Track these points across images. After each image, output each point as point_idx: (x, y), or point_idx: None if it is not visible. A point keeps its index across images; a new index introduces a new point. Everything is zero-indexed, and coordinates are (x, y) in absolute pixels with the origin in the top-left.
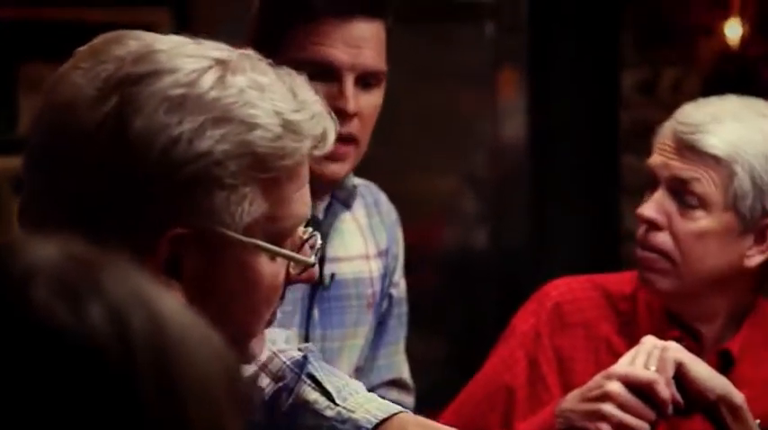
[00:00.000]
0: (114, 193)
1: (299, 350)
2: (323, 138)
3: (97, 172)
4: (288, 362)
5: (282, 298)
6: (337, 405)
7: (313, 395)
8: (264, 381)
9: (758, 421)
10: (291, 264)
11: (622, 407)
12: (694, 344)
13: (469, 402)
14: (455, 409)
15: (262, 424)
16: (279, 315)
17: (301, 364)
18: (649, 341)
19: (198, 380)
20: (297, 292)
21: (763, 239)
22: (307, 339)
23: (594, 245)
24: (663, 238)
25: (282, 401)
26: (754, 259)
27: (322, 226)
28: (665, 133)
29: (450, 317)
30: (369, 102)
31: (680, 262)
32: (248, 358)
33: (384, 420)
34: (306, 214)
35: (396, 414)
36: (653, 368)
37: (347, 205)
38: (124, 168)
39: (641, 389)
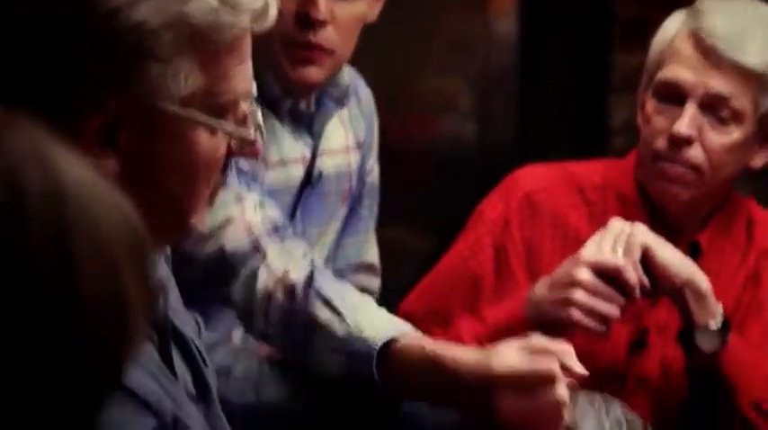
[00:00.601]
0: (60, 44)
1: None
2: (262, 12)
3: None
4: (299, 280)
5: (224, 172)
6: (348, 324)
7: (324, 314)
8: (279, 296)
9: (721, 306)
10: (233, 140)
11: (592, 293)
12: (666, 235)
13: (433, 288)
14: (418, 295)
15: (276, 339)
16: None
17: (311, 281)
18: (616, 224)
19: (94, 242)
20: (287, 196)
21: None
22: None
23: (581, 141)
24: (694, 152)
25: (295, 319)
26: (760, 160)
27: (314, 124)
28: (685, 43)
29: (435, 210)
30: (346, 10)
31: (708, 173)
32: (185, 232)
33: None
34: (247, 90)
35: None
36: (620, 252)
37: (341, 103)
38: (76, 14)
39: (609, 275)
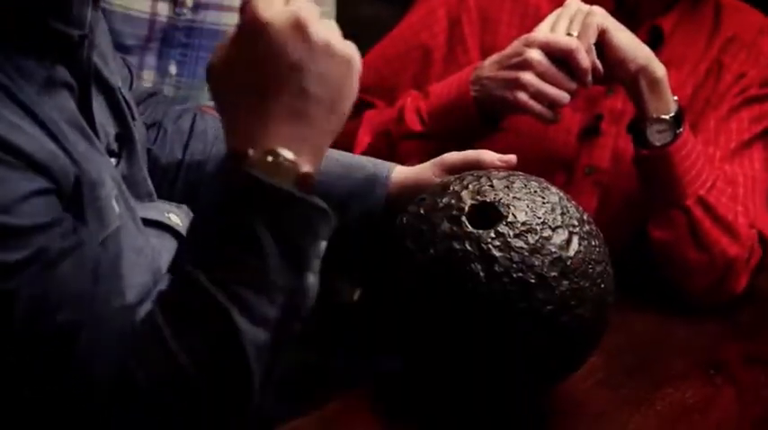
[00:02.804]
0: None
1: None
2: None
3: None
4: None
5: None
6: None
7: None
8: None
9: (675, 97)
10: None
11: (541, 76)
12: (627, 19)
13: (381, 59)
14: (366, 64)
15: None
16: None
17: None
18: (573, 4)
19: None
20: None
21: None
22: None
23: None
24: None
25: None
26: None
27: None
28: None
29: None
30: None
31: None
32: None
33: None
34: None
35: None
36: (575, 34)
37: None
38: None
39: (561, 57)
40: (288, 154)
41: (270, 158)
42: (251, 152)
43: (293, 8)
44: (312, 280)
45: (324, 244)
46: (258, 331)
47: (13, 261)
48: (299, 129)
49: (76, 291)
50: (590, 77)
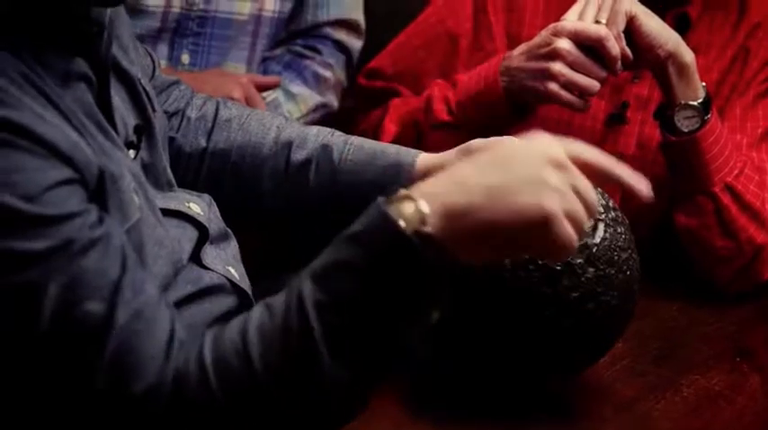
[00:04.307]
0: None
1: None
2: None
3: None
4: None
5: None
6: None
7: None
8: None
9: (704, 84)
10: None
11: (571, 65)
12: (654, 5)
13: (407, 47)
14: (390, 52)
15: None
16: None
17: None
18: None
19: None
20: None
21: None
22: None
23: None
24: None
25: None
26: None
27: None
28: None
29: None
30: None
31: None
32: None
33: None
34: None
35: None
36: (603, 21)
37: None
38: None
39: (591, 45)
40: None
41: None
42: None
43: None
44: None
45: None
46: (341, 365)
47: (40, 250)
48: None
49: (106, 281)
50: (620, 65)
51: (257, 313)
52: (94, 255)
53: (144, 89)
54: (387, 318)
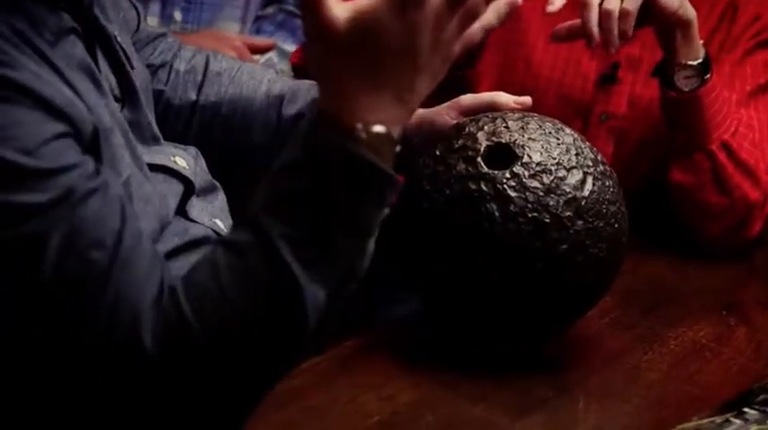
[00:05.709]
0: None
1: None
2: None
3: None
4: None
5: None
6: None
7: None
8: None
9: (702, 41)
10: None
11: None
12: None
13: None
14: None
15: None
16: None
17: None
18: None
19: None
20: None
21: None
22: None
23: None
24: None
25: None
26: None
27: None
28: None
29: None
30: None
31: None
32: None
33: None
34: None
35: None
36: None
37: None
38: None
39: None
40: (391, 132)
41: (374, 136)
42: (359, 127)
43: None
44: (372, 245)
45: (387, 211)
46: (317, 288)
47: (41, 202)
48: (401, 111)
49: (106, 230)
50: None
51: (221, 256)
52: (94, 204)
53: (120, 46)
54: (352, 222)
